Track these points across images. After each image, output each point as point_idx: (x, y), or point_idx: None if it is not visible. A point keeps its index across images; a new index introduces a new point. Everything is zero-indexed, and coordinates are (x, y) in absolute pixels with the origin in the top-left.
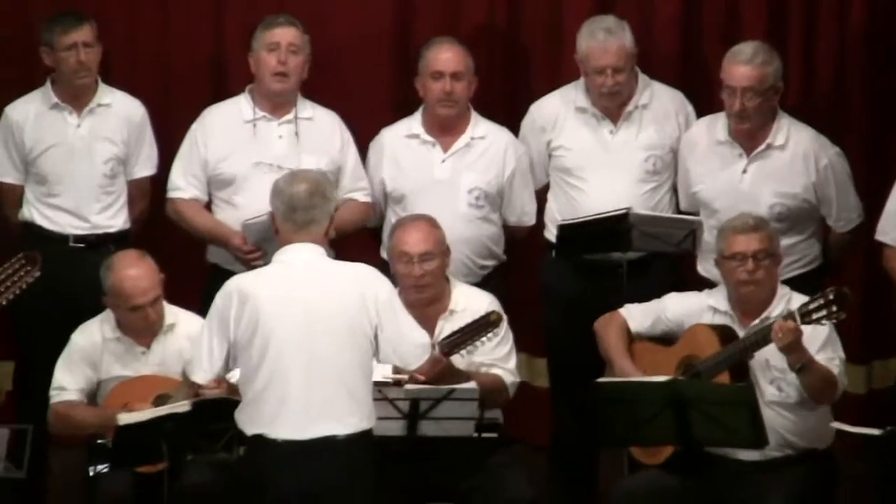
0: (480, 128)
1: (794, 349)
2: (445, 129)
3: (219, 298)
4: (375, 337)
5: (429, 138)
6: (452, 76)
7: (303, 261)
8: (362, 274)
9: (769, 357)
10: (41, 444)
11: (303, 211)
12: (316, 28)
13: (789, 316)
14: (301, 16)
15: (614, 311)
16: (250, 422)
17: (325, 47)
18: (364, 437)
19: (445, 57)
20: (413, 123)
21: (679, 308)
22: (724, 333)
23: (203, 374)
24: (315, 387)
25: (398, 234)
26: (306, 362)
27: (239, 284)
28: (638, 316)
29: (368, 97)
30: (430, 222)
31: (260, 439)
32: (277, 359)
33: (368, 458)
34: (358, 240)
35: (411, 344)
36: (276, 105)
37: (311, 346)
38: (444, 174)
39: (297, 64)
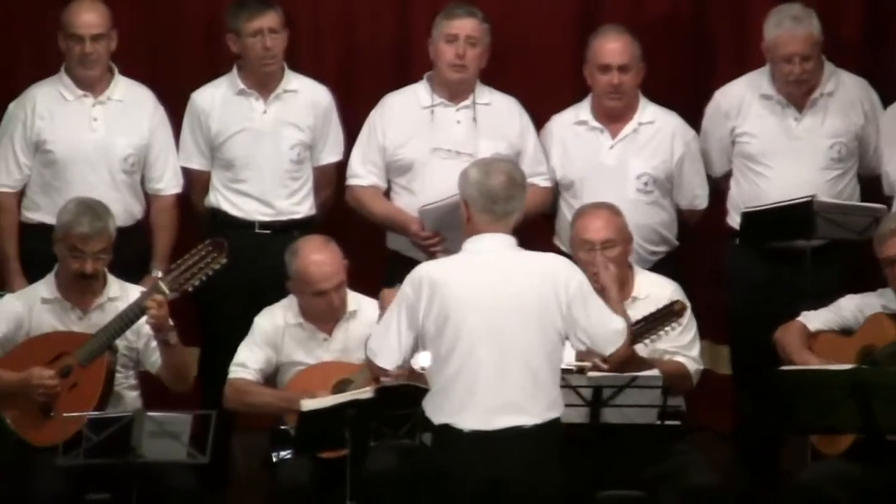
0: (648, 113)
1: None
2: (613, 116)
3: (408, 286)
4: (567, 326)
5: (597, 125)
6: (620, 69)
7: (494, 251)
8: (553, 264)
9: None
10: (224, 430)
11: (503, 202)
12: (502, 14)
13: None
14: (486, 2)
15: (792, 319)
16: (438, 411)
17: (511, 34)
18: (551, 426)
19: (611, 48)
20: (581, 110)
21: (855, 308)
22: None
23: (390, 361)
24: (504, 377)
25: (580, 222)
26: (496, 353)
27: (430, 273)
28: (815, 319)
29: (553, 84)
30: (612, 210)
31: (447, 429)
32: (468, 349)
33: (555, 448)
34: (532, 225)
35: (606, 330)
36: (454, 92)
37: (501, 337)
38: (612, 160)
39: (475, 55)
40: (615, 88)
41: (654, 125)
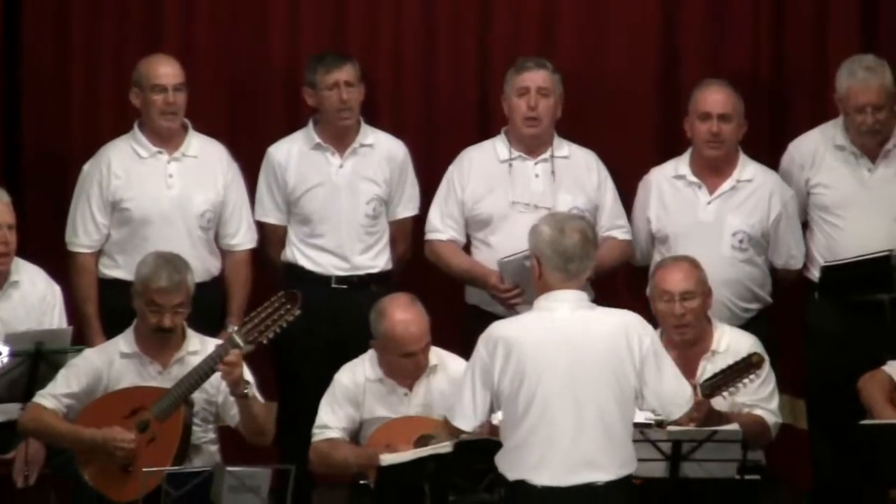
0: (748, 170)
1: None
2: (712, 171)
3: (482, 347)
4: (639, 384)
5: (695, 180)
6: (720, 117)
7: (567, 308)
8: (626, 321)
9: None
10: (304, 484)
11: (578, 261)
12: (580, 67)
13: None
14: (565, 56)
15: (877, 368)
16: (513, 467)
17: (589, 86)
18: (624, 482)
19: (714, 98)
20: (680, 164)
21: None
22: None
23: (468, 422)
24: (580, 433)
25: (659, 274)
26: (572, 410)
27: (503, 333)
28: None
29: (631, 137)
30: (692, 262)
31: (522, 485)
32: (544, 408)
33: None
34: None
35: (674, 394)
36: (531, 146)
37: (576, 395)
38: (708, 216)
39: (548, 106)
40: (714, 137)
41: (753, 183)
